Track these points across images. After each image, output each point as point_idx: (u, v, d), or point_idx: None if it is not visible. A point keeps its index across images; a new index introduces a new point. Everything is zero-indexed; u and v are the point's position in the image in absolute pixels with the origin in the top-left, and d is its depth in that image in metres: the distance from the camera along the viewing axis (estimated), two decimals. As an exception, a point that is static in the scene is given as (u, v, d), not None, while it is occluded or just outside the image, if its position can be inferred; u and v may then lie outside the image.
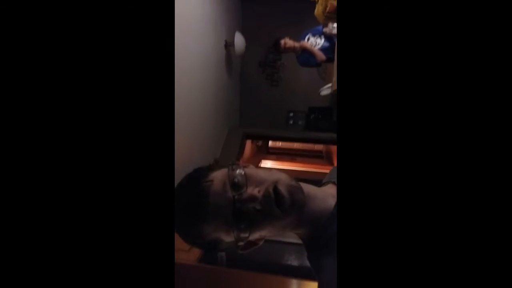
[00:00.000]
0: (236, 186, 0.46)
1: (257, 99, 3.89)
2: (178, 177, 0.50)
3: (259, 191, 0.46)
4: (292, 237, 0.57)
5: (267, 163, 4.29)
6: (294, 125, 3.57)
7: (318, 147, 4.23)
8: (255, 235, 0.48)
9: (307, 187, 0.52)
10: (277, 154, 4.31)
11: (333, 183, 0.58)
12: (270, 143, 4.46)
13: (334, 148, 3.76)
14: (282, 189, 0.46)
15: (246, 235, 0.46)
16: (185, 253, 1.54)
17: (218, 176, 0.48)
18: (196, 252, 1.57)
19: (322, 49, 2.65)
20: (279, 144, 4.50)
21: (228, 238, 0.47)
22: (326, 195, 0.54)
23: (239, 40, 3.06)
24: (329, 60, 2.65)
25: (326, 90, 2.92)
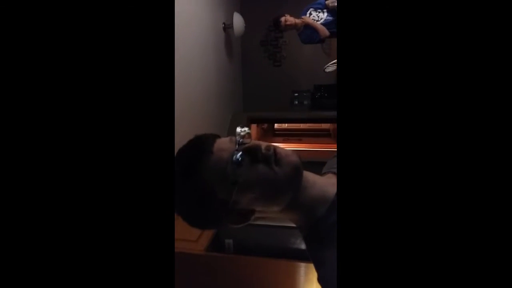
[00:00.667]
0: (241, 142, 0.50)
1: (260, 81, 3.81)
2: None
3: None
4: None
5: (274, 146, 4.21)
6: (299, 105, 3.50)
7: (325, 125, 4.18)
8: (247, 195, 0.49)
9: (306, 174, 0.52)
10: (284, 136, 4.27)
11: (333, 173, 0.57)
12: (276, 125, 4.41)
13: (341, 126, 3.69)
14: (280, 150, 0.50)
15: (238, 189, 0.48)
16: (193, 243, 1.54)
17: (225, 138, 0.53)
18: (203, 242, 1.56)
19: (325, 23, 2.54)
20: (285, 125, 4.45)
21: (221, 191, 0.48)
22: (326, 184, 0.53)
23: (238, 21, 2.96)
24: (333, 35, 2.53)
25: (331, 66, 2.83)
